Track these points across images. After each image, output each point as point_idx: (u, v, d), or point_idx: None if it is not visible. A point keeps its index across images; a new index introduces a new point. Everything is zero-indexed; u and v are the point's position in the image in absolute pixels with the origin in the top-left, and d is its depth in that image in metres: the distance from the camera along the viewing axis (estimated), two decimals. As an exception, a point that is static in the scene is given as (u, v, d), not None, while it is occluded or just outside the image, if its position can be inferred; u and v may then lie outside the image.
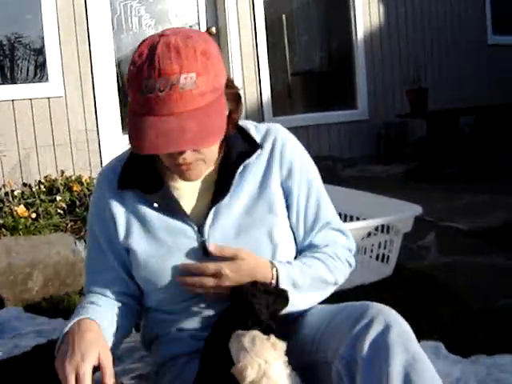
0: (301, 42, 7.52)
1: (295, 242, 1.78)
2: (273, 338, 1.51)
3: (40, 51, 5.73)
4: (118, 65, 6.13)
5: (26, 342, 2.63)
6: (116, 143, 5.71)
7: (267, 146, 1.79)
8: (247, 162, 1.75)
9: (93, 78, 5.81)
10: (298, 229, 1.77)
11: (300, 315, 1.86)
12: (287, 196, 1.79)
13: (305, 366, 1.62)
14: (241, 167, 1.74)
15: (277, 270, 1.66)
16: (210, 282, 1.60)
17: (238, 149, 1.75)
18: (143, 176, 1.72)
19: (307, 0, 7.40)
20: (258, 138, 1.79)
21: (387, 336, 1.43)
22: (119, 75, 6.11)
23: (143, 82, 1.46)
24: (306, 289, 1.71)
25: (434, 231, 4.46)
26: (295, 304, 1.69)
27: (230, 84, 1.64)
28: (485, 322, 2.80)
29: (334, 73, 7.61)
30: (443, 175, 6.36)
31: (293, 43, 7.27)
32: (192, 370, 1.73)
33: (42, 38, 5.64)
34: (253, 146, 1.77)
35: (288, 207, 1.78)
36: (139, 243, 1.75)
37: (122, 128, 5.96)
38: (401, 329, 1.46)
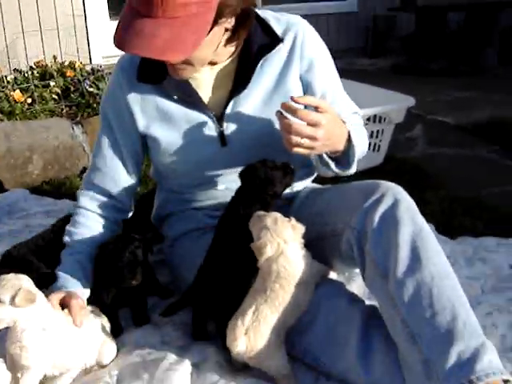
0: None
1: None
2: (293, 220, 1.63)
3: None
4: None
5: (35, 221, 2.73)
6: (104, 29, 5.61)
7: (288, 39, 1.80)
8: (268, 54, 1.77)
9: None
10: None
11: (307, 193, 1.98)
12: (306, 89, 1.85)
13: (314, 239, 1.75)
14: (262, 60, 1.76)
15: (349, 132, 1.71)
16: (306, 129, 1.55)
17: (258, 41, 1.76)
18: (161, 68, 1.73)
19: None
20: (278, 31, 1.81)
21: (396, 209, 1.56)
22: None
23: None
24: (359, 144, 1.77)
25: (422, 124, 4.58)
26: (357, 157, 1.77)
27: (244, 4, 1.61)
28: (470, 209, 2.96)
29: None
30: (431, 70, 6.40)
31: None
32: (205, 243, 1.87)
33: None
34: (273, 39, 1.77)
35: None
36: (160, 132, 1.83)
37: (110, 13, 5.84)
38: (408, 204, 1.59)
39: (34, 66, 4.52)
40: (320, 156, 1.75)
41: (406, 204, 1.58)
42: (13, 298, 1.45)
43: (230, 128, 1.81)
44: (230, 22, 1.61)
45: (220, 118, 1.80)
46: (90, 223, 1.88)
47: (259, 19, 1.78)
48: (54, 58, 4.60)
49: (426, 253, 1.50)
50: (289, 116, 1.56)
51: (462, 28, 6.75)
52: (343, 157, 1.75)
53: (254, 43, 1.76)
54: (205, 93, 1.82)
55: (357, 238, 1.60)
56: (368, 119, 3.38)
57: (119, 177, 1.92)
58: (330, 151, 1.71)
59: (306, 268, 1.61)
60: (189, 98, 1.78)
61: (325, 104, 1.60)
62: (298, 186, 2.00)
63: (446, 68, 6.42)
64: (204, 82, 1.82)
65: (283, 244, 1.59)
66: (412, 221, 1.54)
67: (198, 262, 1.79)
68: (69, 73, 4.22)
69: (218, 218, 1.83)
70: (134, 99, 1.82)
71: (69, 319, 1.60)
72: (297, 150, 1.57)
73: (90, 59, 5.56)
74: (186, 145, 1.82)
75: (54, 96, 4.04)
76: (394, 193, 1.60)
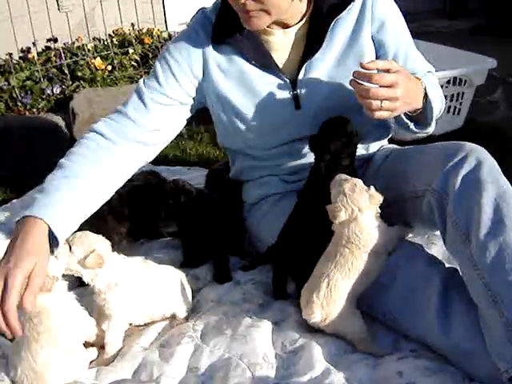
0: None
1: None
2: (372, 189, 1.63)
3: None
4: None
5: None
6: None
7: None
8: (340, 16, 1.76)
9: None
10: None
11: (386, 153, 1.97)
12: (378, 48, 1.84)
13: (393, 201, 1.75)
14: (333, 22, 1.76)
15: (425, 88, 1.70)
16: (384, 91, 1.52)
17: (328, 1, 1.77)
18: (236, 30, 1.76)
19: None
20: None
21: (480, 171, 1.53)
22: None
23: None
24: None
25: (503, 87, 4.42)
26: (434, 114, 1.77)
27: None
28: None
29: None
30: (512, 30, 6.13)
31: None
32: (282, 207, 1.91)
33: None
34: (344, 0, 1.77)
35: (379, 59, 1.81)
36: (235, 93, 1.83)
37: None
38: (492, 165, 1.56)
39: (112, 34, 4.62)
40: (398, 118, 1.73)
41: (489, 166, 1.55)
42: (84, 258, 1.56)
43: (303, 91, 1.82)
44: None
45: (294, 82, 1.81)
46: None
47: None
48: (132, 25, 4.69)
49: (509, 215, 1.47)
50: (364, 82, 1.54)
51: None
52: (421, 115, 1.74)
53: (324, 3, 1.77)
54: (279, 56, 1.82)
55: (438, 201, 1.58)
56: (448, 81, 3.31)
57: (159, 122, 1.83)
58: (410, 110, 1.69)
59: (379, 238, 1.61)
60: (264, 60, 1.78)
61: (395, 65, 1.58)
62: (374, 146, 2.00)
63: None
64: (277, 45, 1.82)
65: (357, 211, 1.60)
66: (495, 183, 1.51)
67: (275, 225, 1.82)
68: (147, 40, 4.30)
69: (300, 183, 1.86)
70: (211, 55, 1.81)
71: (145, 271, 1.71)
72: (379, 114, 1.55)
73: (166, 26, 5.62)
74: (261, 108, 1.84)
75: (133, 63, 4.13)
76: (476, 154, 1.57)
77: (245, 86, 1.83)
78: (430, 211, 1.63)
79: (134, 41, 4.27)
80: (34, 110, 3.69)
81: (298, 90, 1.82)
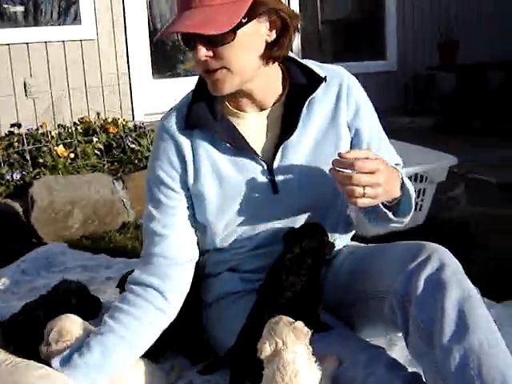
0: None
1: None
2: (298, 323, 1.53)
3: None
4: (149, 7, 6.08)
5: (72, 275, 2.72)
6: (147, 87, 5.73)
7: (334, 85, 1.78)
8: (313, 96, 1.74)
9: (125, 21, 5.75)
10: None
11: (348, 252, 1.93)
12: (353, 136, 1.81)
13: (354, 300, 1.70)
14: (307, 102, 1.73)
15: (402, 177, 1.69)
16: (366, 177, 1.49)
17: (299, 82, 1.75)
18: (208, 115, 1.73)
19: None
20: (322, 74, 1.77)
21: (443, 273, 1.50)
22: (150, 18, 6.07)
23: None
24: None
25: (464, 183, 4.49)
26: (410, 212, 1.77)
27: (280, 9, 1.62)
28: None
29: (364, 22, 7.48)
30: (472, 128, 6.33)
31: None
32: (240, 307, 1.83)
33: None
34: (315, 80, 1.75)
35: (353, 148, 1.80)
36: (208, 183, 1.75)
37: (153, 72, 5.96)
38: (455, 267, 1.53)
39: (77, 122, 4.62)
40: (376, 207, 1.69)
41: (452, 267, 1.52)
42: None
43: (280, 175, 1.76)
44: (269, 34, 1.63)
45: (271, 166, 1.76)
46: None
47: (299, 64, 1.78)
48: (98, 114, 4.70)
49: (473, 318, 1.43)
50: (344, 170, 1.51)
51: (503, 86, 6.70)
52: (397, 206, 1.72)
53: (295, 85, 1.76)
54: (253, 138, 1.77)
55: (400, 303, 1.54)
56: (409, 178, 3.32)
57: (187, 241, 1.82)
58: (388, 199, 1.66)
59: (307, 376, 1.49)
60: (239, 144, 1.73)
61: (372, 153, 1.55)
62: (338, 243, 1.94)
63: (487, 127, 6.35)
64: (252, 127, 1.78)
65: (281, 345, 1.50)
66: (459, 285, 1.48)
67: (233, 325, 1.76)
68: (111, 129, 4.30)
69: (261, 282, 1.80)
70: (187, 147, 1.76)
71: None
72: (361, 201, 1.50)
73: (133, 116, 5.66)
74: (234, 193, 1.76)
75: (96, 152, 4.11)
76: (439, 255, 1.54)
77: (218, 174, 1.75)
78: (392, 313, 1.58)
79: (98, 129, 4.26)
80: (-8, 194, 3.61)
81: (275, 174, 1.76)
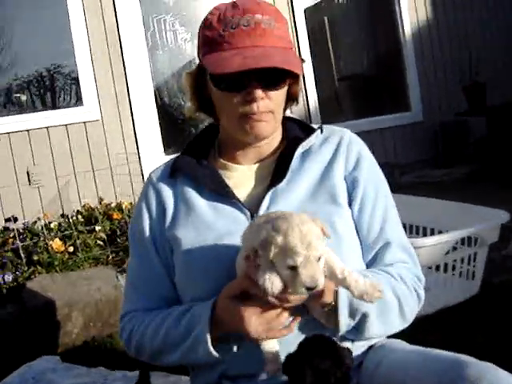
0: (345, 45, 7.11)
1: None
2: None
3: (73, 76, 5.51)
4: (155, 83, 5.81)
5: (61, 399, 2.27)
6: (158, 165, 5.39)
7: (334, 139, 1.70)
8: (308, 148, 1.67)
9: (129, 98, 5.53)
10: (360, 230, 1.60)
11: (383, 355, 1.50)
12: (352, 189, 1.65)
13: None
14: (298, 150, 1.65)
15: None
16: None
17: (295, 135, 1.69)
18: (194, 162, 1.68)
19: (349, 0, 7.00)
20: (320, 131, 1.70)
21: None
22: (157, 93, 5.81)
23: (227, 20, 1.50)
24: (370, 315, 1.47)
25: (517, 238, 3.96)
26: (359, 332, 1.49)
27: None
28: None
29: (382, 74, 7.17)
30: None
31: (337, 47, 6.86)
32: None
33: (75, 63, 5.39)
34: (309, 132, 1.69)
35: (351, 204, 1.62)
36: (185, 229, 1.61)
37: (164, 148, 5.64)
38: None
39: (81, 210, 4.26)
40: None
41: None
42: None
43: None
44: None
45: (255, 212, 1.59)
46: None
47: (298, 121, 1.75)
48: (101, 199, 4.33)
49: None
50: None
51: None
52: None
53: (291, 138, 1.70)
54: (242, 190, 1.66)
55: None
56: (456, 243, 2.86)
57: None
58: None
59: None
60: (221, 190, 1.63)
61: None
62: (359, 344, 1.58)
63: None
64: (241, 179, 1.67)
65: None
66: None
67: None
68: (115, 215, 3.91)
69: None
70: (166, 193, 1.68)
71: None
72: None
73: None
74: (213, 241, 1.57)
75: (99, 242, 3.71)
76: (489, 378, 1.21)
77: (197, 220, 1.61)
78: None
79: (101, 217, 3.87)
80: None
81: None
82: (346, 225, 1.56)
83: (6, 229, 3.98)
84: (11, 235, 3.78)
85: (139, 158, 5.53)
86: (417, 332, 1.78)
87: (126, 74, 5.52)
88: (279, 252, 1.26)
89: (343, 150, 1.67)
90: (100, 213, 3.96)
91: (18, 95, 5.61)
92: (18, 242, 3.57)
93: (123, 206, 4.07)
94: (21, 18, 5.32)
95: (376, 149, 6.71)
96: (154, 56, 5.86)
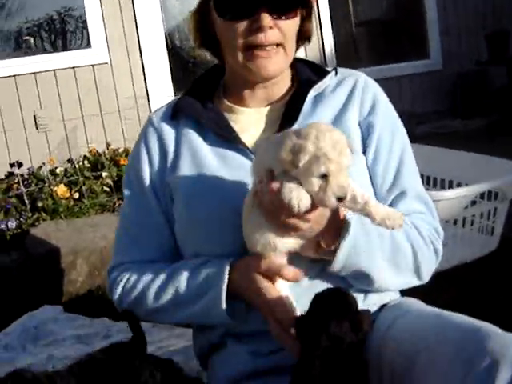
0: (364, -12, 6.90)
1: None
2: None
3: (82, 19, 5.38)
4: (166, 25, 5.65)
5: (62, 351, 2.22)
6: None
7: (349, 82, 1.61)
8: (321, 91, 1.59)
9: (139, 41, 5.38)
10: (374, 178, 1.53)
11: (389, 325, 1.43)
12: (367, 135, 1.57)
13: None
14: (311, 93, 1.56)
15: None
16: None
17: (307, 77, 1.61)
18: (198, 104, 1.58)
19: None
20: (334, 73, 1.61)
21: None
22: (167, 36, 5.66)
23: None
24: (376, 255, 1.39)
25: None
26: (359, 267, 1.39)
27: None
28: None
29: (401, 20, 7.00)
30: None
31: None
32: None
33: (83, 5, 5.26)
34: (322, 74, 1.60)
35: (365, 151, 1.55)
36: (187, 176, 1.54)
37: (175, 92, 5.51)
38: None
39: (87, 155, 4.17)
40: None
41: None
42: None
43: None
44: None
45: None
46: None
47: (309, 63, 1.67)
48: (108, 145, 4.24)
49: None
50: None
51: None
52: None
53: (302, 80, 1.61)
54: (247, 134, 1.58)
55: None
56: (475, 197, 2.76)
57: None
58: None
59: None
60: (227, 136, 1.55)
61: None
62: (371, 299, 1.49)
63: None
64: (248, 123, 1.59)
65: None
66: None
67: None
68: (123, 161, 3.82)
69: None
70: (167, 136, 1.60)
71: None
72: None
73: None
74: (218, 188, 1.50)
75: (105, 188, 3.64)
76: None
77: (201, 167, 1.53)
78: None
79: (108, 163, 3.78)
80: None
81: None
82: (360, 172, 1.49)
83: (11, 174, 3.92)
84: (15, 180, 3.72)
85: (148, 102, 5.43)
86: (430, 289, 1.68)
87: (135, 17, 5.39)
88: (310, 160, 1.16)
89: (358, 94, 1.59)
90: (107, 158, 3.88)
91: (28, 37, 5.48)
92: (22, 187, 3.48)
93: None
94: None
95: (392, 97, 6.55)
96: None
